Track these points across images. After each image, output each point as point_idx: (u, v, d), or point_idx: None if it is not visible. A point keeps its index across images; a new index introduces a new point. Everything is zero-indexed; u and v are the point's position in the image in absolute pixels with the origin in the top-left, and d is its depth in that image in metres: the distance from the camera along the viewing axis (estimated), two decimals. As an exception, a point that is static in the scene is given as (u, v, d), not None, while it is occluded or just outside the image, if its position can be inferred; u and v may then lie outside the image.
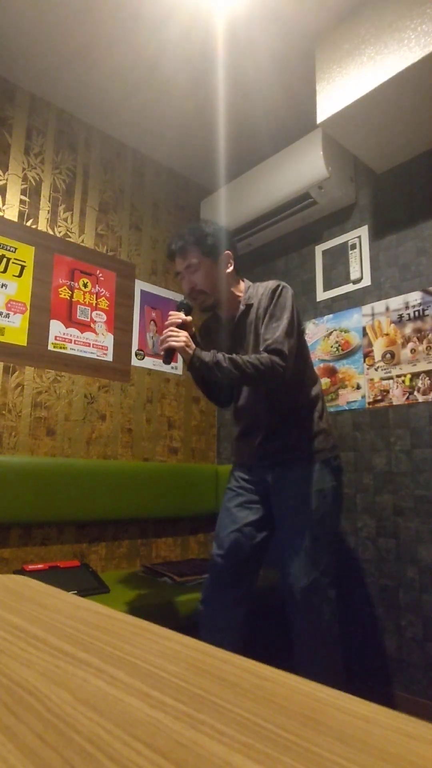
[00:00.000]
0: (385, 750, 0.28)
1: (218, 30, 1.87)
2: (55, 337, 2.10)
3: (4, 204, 2.04)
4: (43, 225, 2.14)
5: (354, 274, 2.18)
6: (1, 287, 1.96)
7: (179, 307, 1.48)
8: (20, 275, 2.03)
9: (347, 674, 1.41)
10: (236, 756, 0.28)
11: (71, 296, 2.18)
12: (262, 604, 1.73)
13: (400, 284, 2.00)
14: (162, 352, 1.38)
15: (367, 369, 2.07)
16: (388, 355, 2.00)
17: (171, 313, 1.45)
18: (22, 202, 2.09)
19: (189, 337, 1.39)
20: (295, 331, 1.45)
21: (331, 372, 2.20)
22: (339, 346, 2.19)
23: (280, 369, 1.34)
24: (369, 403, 2.03)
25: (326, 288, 2.30)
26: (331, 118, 1.83)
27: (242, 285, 1.58)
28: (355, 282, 2.17)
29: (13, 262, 2.01)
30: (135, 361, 2.38)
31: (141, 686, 0.38)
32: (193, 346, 1.38)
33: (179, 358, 1.42)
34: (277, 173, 2.30)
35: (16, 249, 2.03)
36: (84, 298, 2.22)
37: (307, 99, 2.14)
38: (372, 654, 1.86)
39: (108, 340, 2.28)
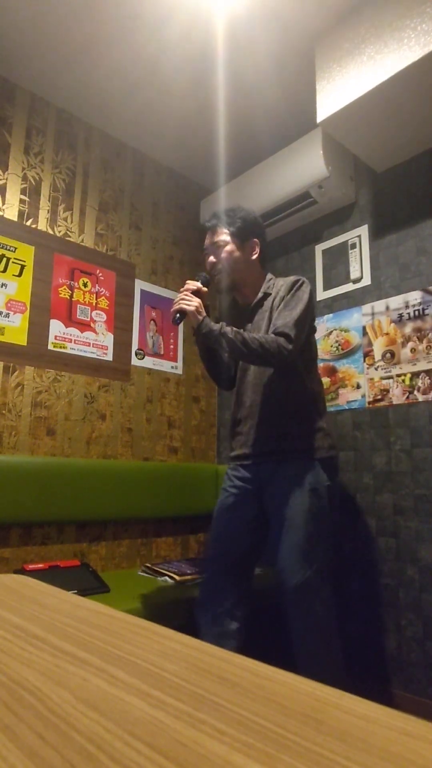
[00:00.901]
0: (385, 749, 0.28)
1: (218, 30, 1.87)
2: (55, 336, 2.10)
3: (3, 203, 2.04)
4: (42, 224, 2.14)
5: (354, 274, 2.18)
6: (1, 287, 1.96)
7: (197, 277, 1.54)
8: (20, 275, 2.03)
9: (347, 673, 1.41)
10: (237, 755, 0.28)
11: (71, 296, 2.18)
12: (262, 603, 1.73)
13: (400, 284, 2.00)
14: (175, 314, 1.44)
15: (367, 368, 2.06)
16: (388, 355, 2.00)
17: (188, 281, 1.51)
18: (21, 201, 2.09)
19: (201, 305, 1.44)
20: (307, 324, 1.47)
21: (331, 371, 2.20)
22: (339, 345, 2.19)
23: (285, 351, 1.36)
24: (369, 403, 2.03)
25: (326, 287, 2.30)
26: (331, 117, 1.83)
27: (265, 276, 1.63)
28: (355, 281, 2.17)
29: (13, 262, 2.01)
30: (135, 361, 2.38)
31: (141, 686, 0.38)
32: (204, 313, 1.43)
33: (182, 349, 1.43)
34: (277, 173, 2.30)
35: (16, 248, 2.03)
36: (84, 298, 2.22)
37: (307, 98, 2.14)
38: (372, 653, 1.86)
39: (108, 339, 2.28)
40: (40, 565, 1.74)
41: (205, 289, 1.50)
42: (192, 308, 1.41)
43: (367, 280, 2.13)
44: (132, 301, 2.42)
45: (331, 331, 2.23)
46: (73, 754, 0.28)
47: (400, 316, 1.98)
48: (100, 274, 2.31)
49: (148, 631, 0.52)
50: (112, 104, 2.28)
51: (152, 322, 2.50)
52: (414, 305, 1.94)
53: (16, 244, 2.03)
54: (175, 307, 1.43)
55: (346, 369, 2.15)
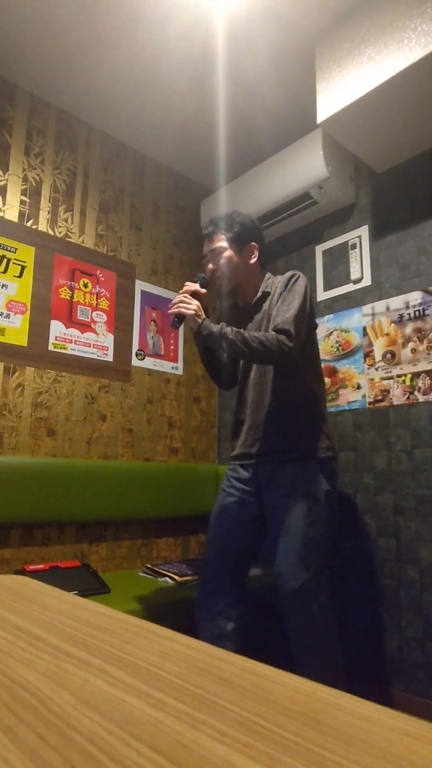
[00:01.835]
0: (386, 749, 0.28)
1: (218, 30, 1.87)
2: (56, 337, 2.10)
3: (4, 204, 2.04)
4: (43, 225, 2.14)
5: (354, 274, 2.18)
6: (2, 288, 1.96)
7: (196, 278, 1.52)
8: (20, 276, 2.03)
9: (348, 673, 1.41)
10: (237, 756, 0.28)
11: (71, 296, 2.18)
12: (262, 603, 1.72)
13: (401, 284, 2.00)
14: (173, 318, 1.42)
15: (368, 369, 2.06)
16: (389, 355, 2.00)
17: (186, 283, 1.49)
18: (22, 202, 2.09)
19: (200, 307, 1.42)
20: (306, 318, 1.46)
21: (332, 372, 2.20)
22: (339, 346, 2.19)
23: (286, 348, 1.35)
24: (369, 403, 2.03)
25: (326, 288, 2.30)
26: (331, 117, 1.83)
27: (264, 277, 1.62)
28: (356, 282, 2.17)
29: (13, 263, 2.01)
30: (135, 361, 2.38)
31: (142, 686, 0.38)
32: (203, 315, 1.42)
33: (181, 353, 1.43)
34: (277, 173, 2.30)
35: (16, 249, 2.03)
36: (84, 299, 2.22)
37: (307, 99, 2.14)
38: (372, 653, 1.86)
39: (108, 340, 2.28)
40: (41, 566, 1.74)
41: (203, 290, 1.49)
42: (191, 312, 1.40)
43: (367, 281, 2.13)
44: (132, 301, 2.42)
45: (332, 332, 2.23)
46: (74, 754, 0.28)
47: (401, 316, 1.98)
48: (101, 275, 2.31)
49: (149, 632, 0.52)
50: (112, 104, 2.28)
51: (153, 322, 2.50)
52: (414, 306, 1.94)
53: (16, 245, 2.03)
54: (174, 310, 1.41)
55: (347, 369, 2.15)
